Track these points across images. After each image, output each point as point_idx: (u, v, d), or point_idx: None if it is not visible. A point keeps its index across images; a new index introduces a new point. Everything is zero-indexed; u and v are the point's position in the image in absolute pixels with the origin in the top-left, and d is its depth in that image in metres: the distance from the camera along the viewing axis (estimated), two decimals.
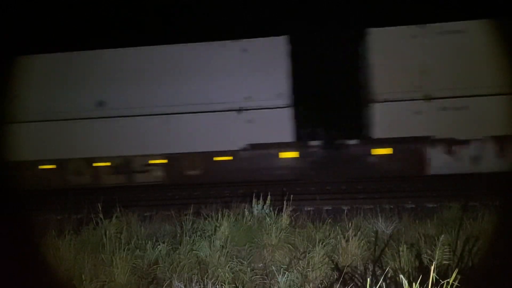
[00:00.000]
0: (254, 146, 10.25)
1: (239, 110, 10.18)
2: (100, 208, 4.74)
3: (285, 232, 4.49)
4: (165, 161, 10.66)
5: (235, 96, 10.18)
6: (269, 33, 10.26)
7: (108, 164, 10.75)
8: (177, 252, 4.06)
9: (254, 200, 5.17)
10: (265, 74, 10.06)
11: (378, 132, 9.76)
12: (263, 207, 5.11)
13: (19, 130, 10.47)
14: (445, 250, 3.53)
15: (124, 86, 10.43)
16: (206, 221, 4.87)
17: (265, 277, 3.68)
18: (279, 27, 11.08)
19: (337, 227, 4.56)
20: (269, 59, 10.07)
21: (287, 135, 10.08)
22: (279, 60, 10.02)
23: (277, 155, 10.34)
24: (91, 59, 10.65)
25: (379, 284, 2.31)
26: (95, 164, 10.80)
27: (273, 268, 3.66)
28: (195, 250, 4.04)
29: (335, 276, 3.55)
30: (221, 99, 10.19)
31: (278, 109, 10.06)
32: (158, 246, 4.13)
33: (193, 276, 3.60)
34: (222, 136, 10.23)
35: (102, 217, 4.75)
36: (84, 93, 10.54)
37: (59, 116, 10.57)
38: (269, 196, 5.18)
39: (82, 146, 10.58)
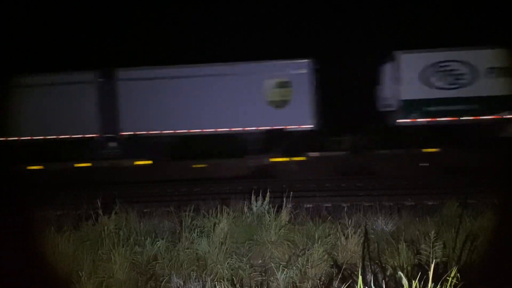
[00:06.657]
0: None
1: None
2: (99, 204, 4.73)
3: (284, 229, 4.48)
4: None
5: None
6: None
7: None
8: (176, 248, 4.05)
9: (253, 197, 5.15)
10: None
11: None
12: (262, 204, 5.10)
13: None
14: (445, 247, 3.52)
15: None
16: (206, 218, 4.86)
17: (264, 273, 3.68)
18: None
19: (337, 224, 4.55)
20: None
21: None
22: None
23: None
24: None
25: (377, 280, 2.31)
26: None
27: (272, 265, 3.65)
28: (195, 247, 4.03)
29: (334, 273, 3.54)
30: None
31: None
32: (157, 242, 4.12)
33: (192, 272, 3.60)
34: None
35: (101, 213, 4.75)
36: None
37: None
38: (268, 193, 5.16)
39: None
